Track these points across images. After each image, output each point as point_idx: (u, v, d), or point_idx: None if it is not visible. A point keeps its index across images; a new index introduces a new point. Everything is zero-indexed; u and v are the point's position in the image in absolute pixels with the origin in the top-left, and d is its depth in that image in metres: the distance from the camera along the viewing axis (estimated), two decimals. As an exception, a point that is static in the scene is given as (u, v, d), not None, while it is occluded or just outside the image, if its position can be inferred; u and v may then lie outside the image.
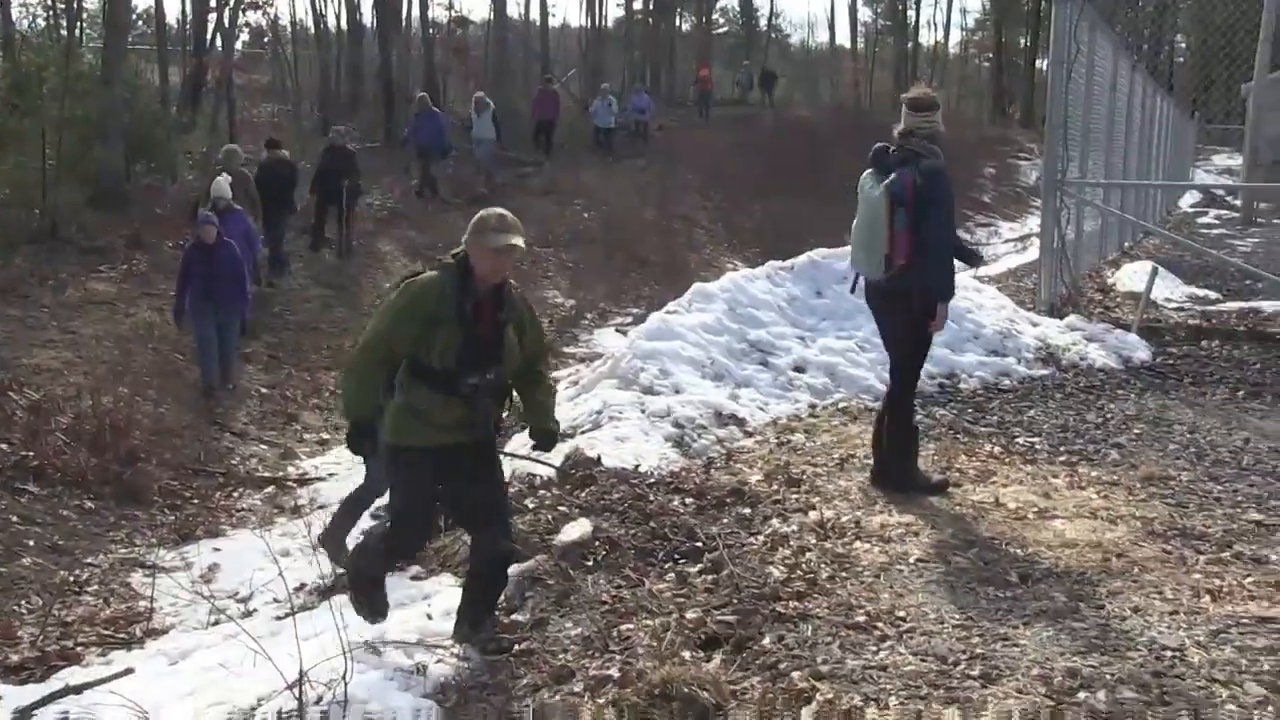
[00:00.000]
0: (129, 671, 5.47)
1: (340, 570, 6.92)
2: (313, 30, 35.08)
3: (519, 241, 4.63)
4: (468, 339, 4.59)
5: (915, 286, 6.08)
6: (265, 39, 30.42)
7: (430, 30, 31.86)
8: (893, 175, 6.02)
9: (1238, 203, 24.98)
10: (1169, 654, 4.21)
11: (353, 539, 7.18)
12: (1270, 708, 3.79)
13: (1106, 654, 4.22)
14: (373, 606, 4.99)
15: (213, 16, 24.25)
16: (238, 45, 24.83)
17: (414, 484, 4.86)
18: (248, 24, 26.81)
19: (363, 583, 5.02)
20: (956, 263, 6.21)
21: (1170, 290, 13.14)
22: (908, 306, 6.18)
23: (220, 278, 11.45)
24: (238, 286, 11.72)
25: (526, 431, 5.15)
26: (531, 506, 6.32)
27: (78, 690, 5.18)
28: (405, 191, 21.45)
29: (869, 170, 6.22)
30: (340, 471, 10.79)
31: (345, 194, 16.82)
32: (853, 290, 6.62)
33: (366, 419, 4.75)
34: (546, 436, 5.05)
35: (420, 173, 21.56)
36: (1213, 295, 13.20)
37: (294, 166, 16.03)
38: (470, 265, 4.64)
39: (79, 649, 6.72)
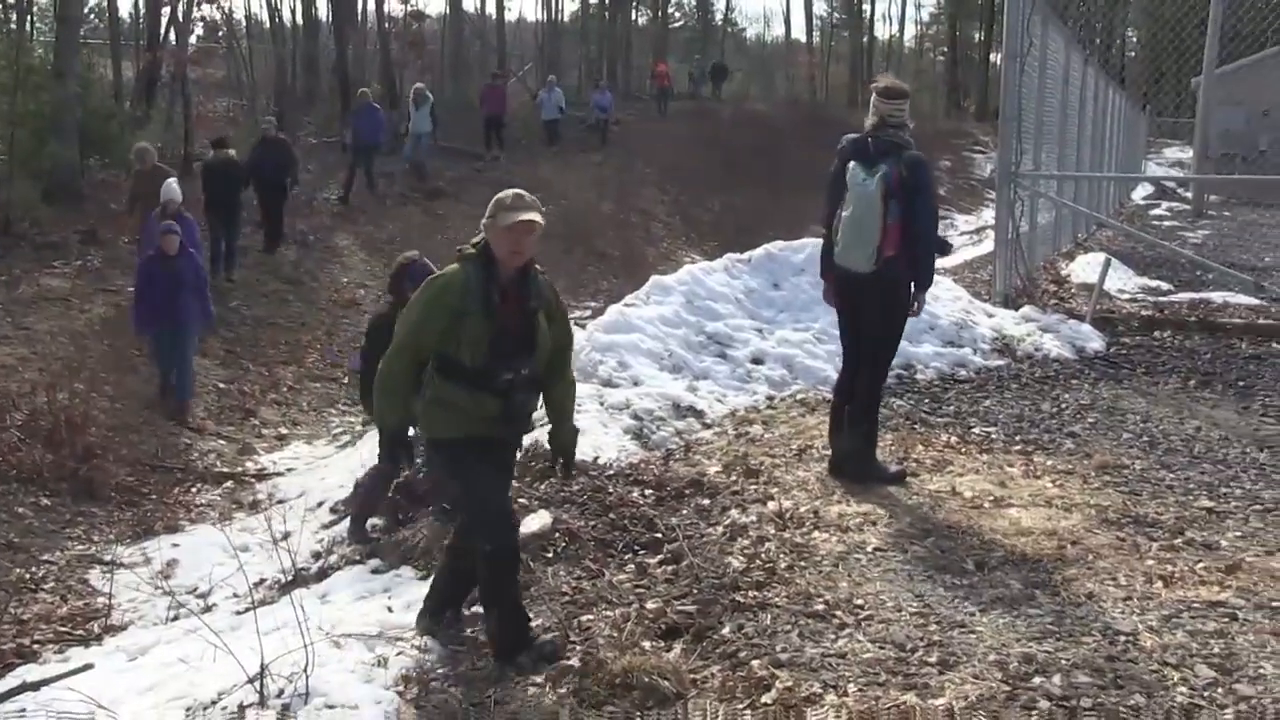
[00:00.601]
0: (88, 667, 5.42)
1: (359, 544, 7.06)
2: (268, 24, 34.90)
3: (537, 217, 4.44)
4: (498, 331, 4.40)
5: (903, 277, 6.14)
6: (220, 33, 30.12)
7: (386, 24, 31.67)
8: (882, 167, 6.05)
9: (1188, 195, 25.28)
10: (1122, 639, 4.28)
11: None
12: (1220, 689, 3.86)
13: (1061, 639, 4.28)
14: (512, 645, 4.55)
15: (166, 10, 24.00)
16: (192, 39, 24.56)
17: (467, 466, 4.57)
18: (202, 18, 26.54)
19: (506, 621, 4.58)
20: None
21: (1123, 281, 13.29)
22: (894, 296, 6.22)
23: (183, 288, 11.10)
24: (200, 297, 11.36)
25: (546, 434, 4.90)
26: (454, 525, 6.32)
27: (35, 687, 5.12)
28: (363, 185, 21.35)
29: (853, 163, 6.18)
30: (299, 466, 10.76)
31: (280, 187, 16.45)
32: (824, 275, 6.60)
33: (400, 428, 4.66)
34: (566, 443, 4.84)
35: (361, 171, 20.82)
36: (1164, 286, 13.35)
37: (241, 165, 15.54)
38: (492, 252, 4.45)
39: (36, 647, 6.66)
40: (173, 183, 12.49)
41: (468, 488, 4.62)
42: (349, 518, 7.51)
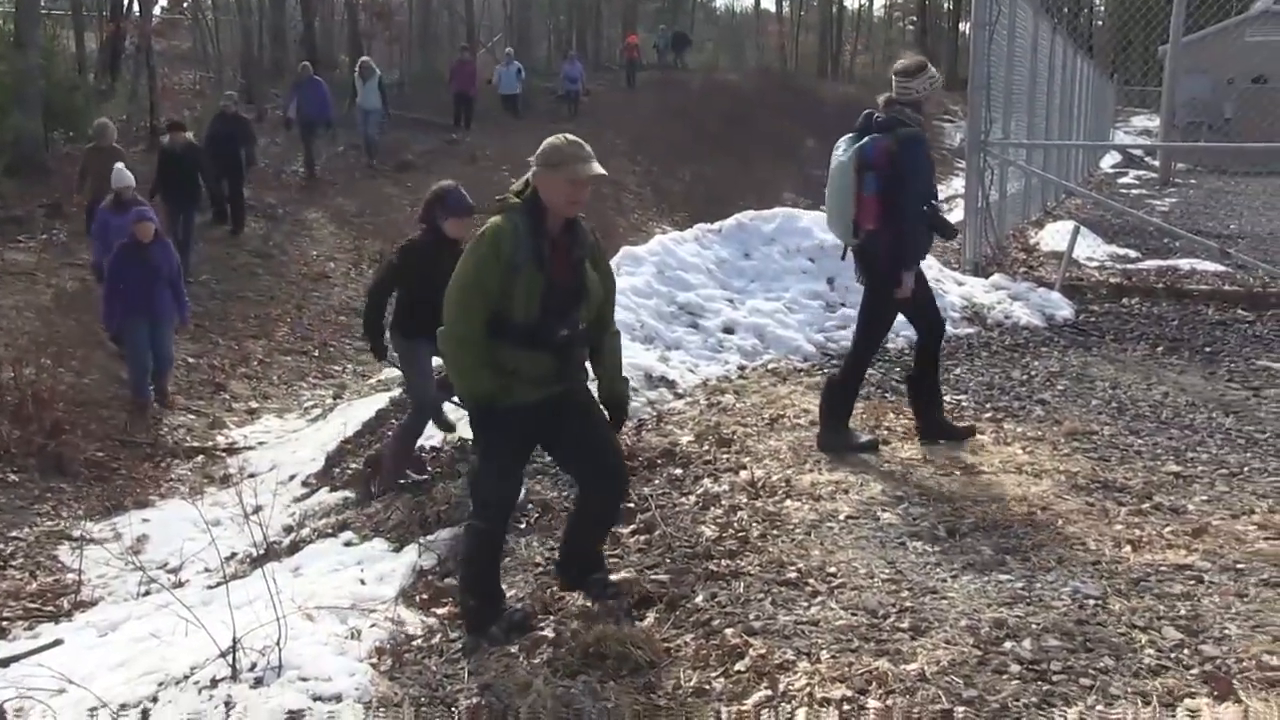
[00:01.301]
0: (58, 643, 5.41)
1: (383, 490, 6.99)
2: (233, -5, 34.53)
3: (602, 170, 4.29)
4: (549, 285, 4.19)
5: (883, 252, 6.13)
6: (185, 4, 29.85)
7: (353, -6, 31.41)
8: (865, 140, 6.05)
9: (1156, 163, 25.39)
10: (1091, 602, 4.31)
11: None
12: (1186, 650, 3.90)
13: (1032, 604, 4.31)
14: (481, 618, 4.49)
15: (129, -20, 23.74)
16: (156, 10, 24.31)
17: (503, 445, 4.37)
18: (165, -12, 26.31)
19: (477, 595, 4.53)
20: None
21: (1092, 249, 13.35)
22: (873, 271, 6.23)
23: (158, 279, 10.50)
24: (175, 288, 10.77)
25: (599, 391, 4.61)
26: (464, 472, 6.33)
27: (4, 663, 5.11)
28: (331, 157, 21.21)
29: (846, 135, 6.22)
30: (269, 440, 10.71)
31: (237, 164, 15.98)
32: (844, 257, 6.59)
33: (489, 395, 4.26)
34: (620, 395, 4.63)
35: (306, 153, 20.09)
36: (1132, 254, 13.42)
37: (200, 149, 14.82)
38: (540, 202, 4.24)
39: (4, 624, 6.63)
40: (122, 167, 11.80)
41: (486, 459, 4.46)
42: (381, 476, 7.25)
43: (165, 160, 14.02)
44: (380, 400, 10.02)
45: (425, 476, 6.92)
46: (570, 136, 4.39)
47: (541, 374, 4.29)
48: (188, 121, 16.09)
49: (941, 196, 28.90)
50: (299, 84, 19.74)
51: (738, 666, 3.93)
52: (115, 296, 10.46)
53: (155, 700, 4.21)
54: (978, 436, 6.59)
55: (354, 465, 8.11)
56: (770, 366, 8.39)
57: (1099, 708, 3.56)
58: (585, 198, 4.31)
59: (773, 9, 58.75)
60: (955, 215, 14.55)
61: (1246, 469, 6.03)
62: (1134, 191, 22.17)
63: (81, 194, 13.56)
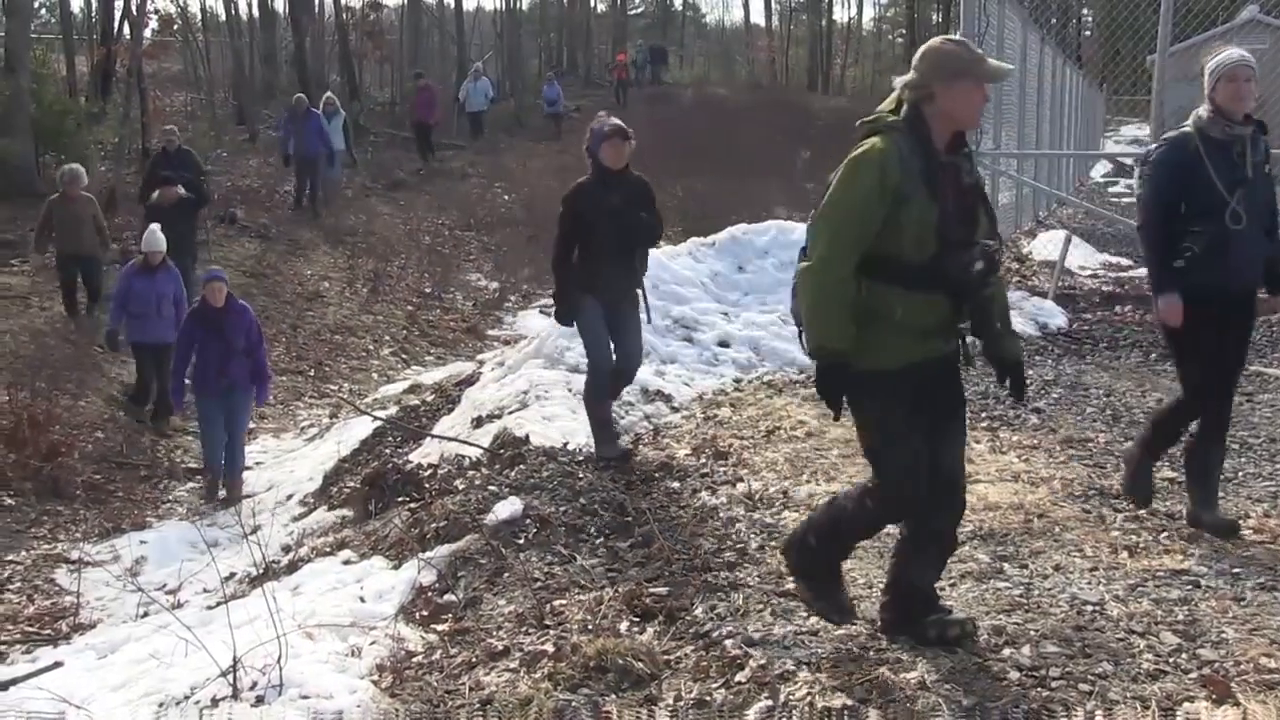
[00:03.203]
0: (57, 665, 5.40)
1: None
2: (224, 17, 34.61)
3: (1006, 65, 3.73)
4: (944, 215, 3.61)
5: None
6: (175, 26, 29.88)
7: (344, 15, 31.51)
8: None
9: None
10: (1089, 608, 4.32)
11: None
12: (1184, 654, 3.91)
13: (1030, 611, 4.32)
14: (836, 604, 4.10)
15: (120, 3, 23.81)
16: (147, 33, 24.32)
17: (896, 416, 3.80)
18: (156, 11, 26.34)
19: (818, 575, 4.10)
20: None
21: (1084, 258, 13.41)
22: None
23: (233, 351, 9.30)
24: (256, 361, 9.56)
25: (985, 354, 3.94)
26: (461, 487, 6.34)
27: (3, 686, 5.10)
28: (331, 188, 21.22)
29: None
30: (266, 460, 10.72)
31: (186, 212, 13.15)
32: None
33: (844, 353, 3.68)
34: (1016, 353, 3.95)
35: (298, 185, 18.98)
36: (1125, 262, 13.47)
37: (192, 200, 13.21)
38: (924, 119, 3.68)
39: (3, 647, 6.62)
40: (156, 230, 10.80)
41: (889, 444, 3.84)
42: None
43: (152, 219, 11.89)
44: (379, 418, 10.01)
45: (627, 449, 6.71)
46: (955, 38, 3.88)
47: (932, 323, 3.74)
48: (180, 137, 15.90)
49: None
50: (294, 117, 18.54)
51: (738, 677, 3.93)
52: (183, 369, 9.49)
53: (156, 721, 4.21)
54: (974, 445, 6.61)
55: (351, 484, 8.11)
56: (766, 379, 8.41)
57: (1098, 713, 3.56)
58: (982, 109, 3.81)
59: (763, 23, 58.94)
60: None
61: (1241, 474, 6.06)
62: (1125, 200, 22.22)
63: (41, 251, 12.72)
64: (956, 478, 3.92)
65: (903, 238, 3.60)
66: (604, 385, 6.71)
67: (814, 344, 3.75)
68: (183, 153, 14.67)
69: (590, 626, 4.45)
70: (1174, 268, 5.08)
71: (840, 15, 60.20)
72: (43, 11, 33.09)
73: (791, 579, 4.26)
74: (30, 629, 7.00)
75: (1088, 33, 40.66)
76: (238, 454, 9.66)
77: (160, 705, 4.33)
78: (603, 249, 6.51)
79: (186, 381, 9.67)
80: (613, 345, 6.68)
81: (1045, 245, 13.77)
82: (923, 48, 3.78)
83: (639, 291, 6.77)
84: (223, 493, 9.55)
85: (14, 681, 5.18)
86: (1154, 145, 5.42)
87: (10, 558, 8.16)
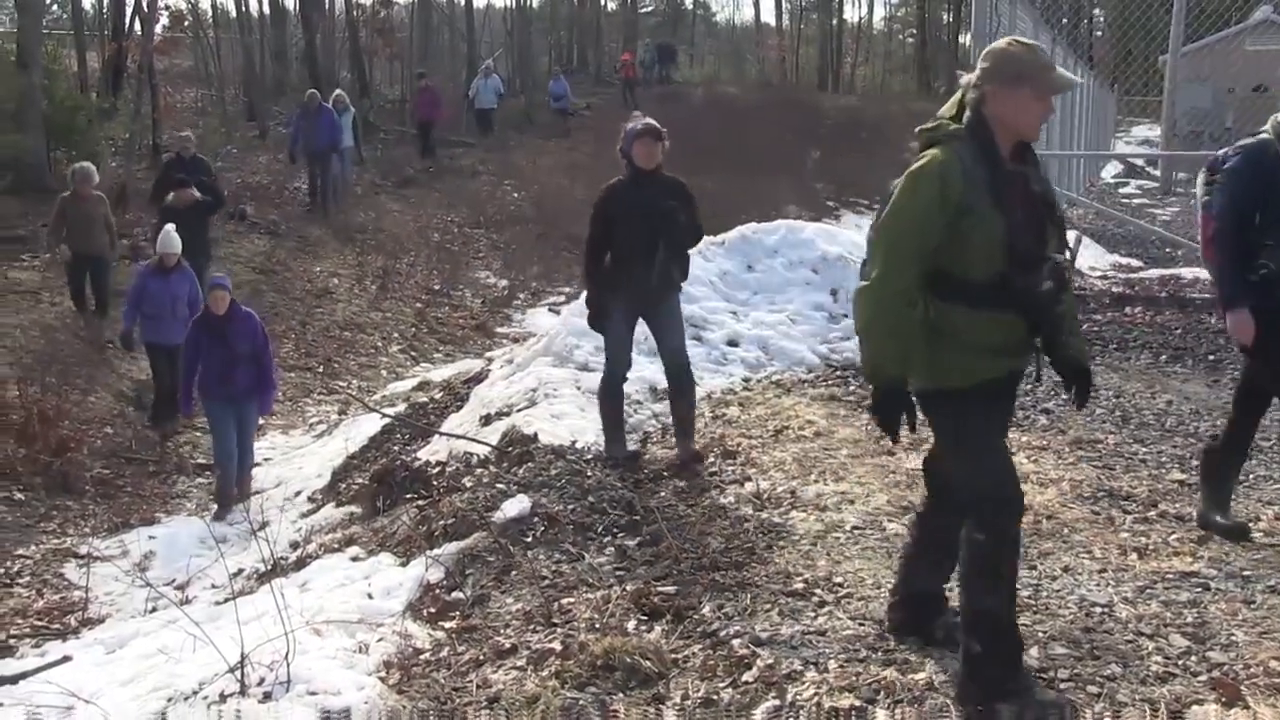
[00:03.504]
0: (66, 660, 5.42)
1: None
2: (234, 13, 34.67)
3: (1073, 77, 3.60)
4: (1011, 228, 3.43)
5: None
6: (186, 22, 29.90)
7: (354, 12, 31.49)
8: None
9: (1157, 172, 25.41)
10: (1098, 610, 4.32)
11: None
12: (1193, 657, 3.91)
13: (1038, 612, 4.32)
14: (1017, 692, 3.55)
15: (131, -1, 23.85)
16: (158, 29, 24.30)
17: (978, 432, 3.60)
18: (167, 7, 26.32)
19: (991, 665, 3.58)
20: None
21: (1094, 259, 13.38)
22: None
23: (239, 358, 9.18)
24: (261, 369, 9.40)
25: (1053, 363, 3.71)
26: (469, 485, 6.34)
27: (13, 680, 5.12)
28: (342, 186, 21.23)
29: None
30: (275, 456, 10.74)
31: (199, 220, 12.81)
32: None
33: (901, 378, 3.55)
34: (1086, 365, 3.78)
35: (310, 181, 18.81)
36: (1135, 263, 13.45)
37: (208, 204, 13.05)
38: (988, 126, 3.49)
39: (12, 641, 6.65)
40: (171, 230, 10.68)
41: (976, 455, 3.61)
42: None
43: (168, 221, 11.51)
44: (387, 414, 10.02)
45: (636, 450, 6.72)
46: (1026, 40, 3.66)
47: (1001, 342, 3.55)
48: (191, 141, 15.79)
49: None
50: (306, 113, 18.43)
51: (745, 677, 3.93)
52: (191, 376, 9.36)
53: (164, 716, 4.22)
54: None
55: (359, 481, 8.12)
56: (775, 378, 8.40)
57: (1107, 715, 3.56)
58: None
59: (773, 22, 58.88)
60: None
61: (1251, 476, 6.03)
62: (1135, 201, 22.23)
63: (55, 251, 12.40)
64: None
65: (968, 253, 3.44)
66: (618, 386, 6.66)
67: (869, 366, 3.61)
68: (197, 160, 14.30)
69: (598, 625, 4.45)
70: (1247, 281, 4.89)
71: (851, 14, 60.12)
72: (54, 7, 33.21)
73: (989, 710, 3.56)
74: (39, 623, 7.03)
75: (1099, 33, 40.57)
76: (247, 454, 9.58)
77: (168, 700, 4.34)
78: (635, 252, 6.36)
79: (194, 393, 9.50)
80: (656, 347, 6.69)
81: (1055, 246, 13.74)
82: (990, 49, 3.60)
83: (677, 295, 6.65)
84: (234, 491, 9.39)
85: (24, 675, 5.20)
86: (1227, 151, 5.11)
87: (20, 552, 8.19)
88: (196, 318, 9.38)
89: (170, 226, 10.85)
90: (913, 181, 3.48)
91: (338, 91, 20.61)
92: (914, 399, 3.62)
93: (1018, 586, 3.81)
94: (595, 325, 6.64)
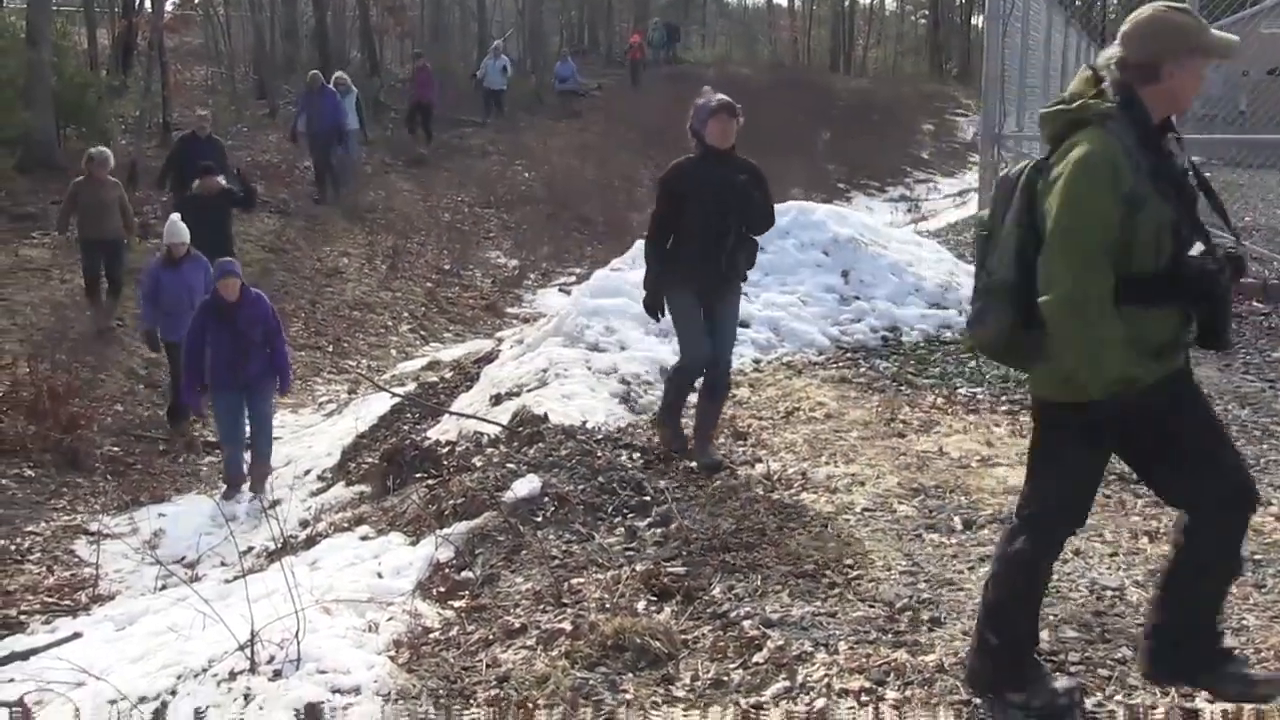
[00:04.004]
0: (77, 636, 5.44)
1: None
2: (244, -10, 34.53)
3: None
4: (1180, 212, 3.14)
5: None
6: (196, 0, 29.87)
7: (365, -11, 31.41)
8: None
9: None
10: (1109, 593, 4.31)
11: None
12: (1206, 642, 3.89)
13: (1049, 595, 4.27)
14: (1027, 680, 3.50)
15: (141, -24, 23.79)
16: (168, 6, 24.29)
17: (1083, 451, 3.34)
18: (177, -17, 26.32)
19: (1005, 656, 3.50)
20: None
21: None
22: None
23: (249, 344, 8.74)
24: (275, 350, 8.99)
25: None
26: (479, 464, 6.34)
27: (24, 656, 5.14)
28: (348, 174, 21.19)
29: None
30: (285, 435, 10.75)
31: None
32: None
33: (1135, 378, 3.12)
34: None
35: (316, 168, 18.41)
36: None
37: (236, 196, 12.51)
38: (1143, 105, 3.17)
39: (23, 617, 6.68)
40: (177, 220, 10.22)
41: (1064, 491, 3.39)
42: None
43: (193, 209, 11.35)
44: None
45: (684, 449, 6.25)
46: (1179, 5, 3.26)
47: (1169, 339, 3.23)
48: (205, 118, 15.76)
49: (955, 189, 28.71)
50: (309, 94, 17.99)
51: (756, 658, 3.93)
52: (195, 366, 8.87)
53: (174, 693, 4.22)
54: (994, 429, 6.59)
55: (369, 460, 8.13)
56: (785, 360, 8.39)
57: (1117, 698, 3.55)
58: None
59: (785, 3, 58.63)
60: (969, 209, 14.57)
61: (1263, 460, 6.01)
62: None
63: (64, 231, 12.47)
64: (1244, 481, 3.40)
65: (1135, 249, 3.10)
66: (688, 382, 6.25)
67: (1098, 382, 3.11)
68: (212, 141, 14.14)
69: (608, 605, 4.45)
70: None
71: (863, -4, 59.79)
72: (64, -16, 33.08)
73: (999, 698, 3.52)
74: (50, 599, 7.05)
75: (1112, 15, 40.35)
76: (264, 441, 9.10)
77: (178, 677, 4.34)
78: (703, 234, 5.97)
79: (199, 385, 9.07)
80: None
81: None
82: (1143, 18, 3.20)
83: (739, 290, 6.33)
84: (248, 487, 8.89)
85: (34, 651, 5.23)
86: None
87: (30, 528, 8.22)
88: (204, 302, 8.86)
89: (175, 216, 10.34)
90: (1080, 169, 3.08)
91: (338, 73, 19.94)
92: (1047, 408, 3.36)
93: (942, 566, 3.79)
94: (651, 310, 6.23)
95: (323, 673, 4.07)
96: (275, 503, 7.14)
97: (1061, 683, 3.53)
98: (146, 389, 11.18)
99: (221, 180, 12.23)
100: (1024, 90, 13.01)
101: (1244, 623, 4.03)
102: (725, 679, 3.84)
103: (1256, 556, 4.66)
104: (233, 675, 4.16)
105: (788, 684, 3.75)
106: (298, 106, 18.75)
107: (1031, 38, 13.43)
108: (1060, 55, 16.89)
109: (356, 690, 3.97)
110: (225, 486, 9.02)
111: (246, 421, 8.97)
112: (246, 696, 3.99)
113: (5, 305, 11.76)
